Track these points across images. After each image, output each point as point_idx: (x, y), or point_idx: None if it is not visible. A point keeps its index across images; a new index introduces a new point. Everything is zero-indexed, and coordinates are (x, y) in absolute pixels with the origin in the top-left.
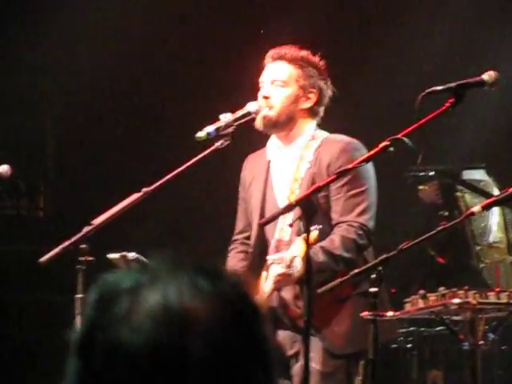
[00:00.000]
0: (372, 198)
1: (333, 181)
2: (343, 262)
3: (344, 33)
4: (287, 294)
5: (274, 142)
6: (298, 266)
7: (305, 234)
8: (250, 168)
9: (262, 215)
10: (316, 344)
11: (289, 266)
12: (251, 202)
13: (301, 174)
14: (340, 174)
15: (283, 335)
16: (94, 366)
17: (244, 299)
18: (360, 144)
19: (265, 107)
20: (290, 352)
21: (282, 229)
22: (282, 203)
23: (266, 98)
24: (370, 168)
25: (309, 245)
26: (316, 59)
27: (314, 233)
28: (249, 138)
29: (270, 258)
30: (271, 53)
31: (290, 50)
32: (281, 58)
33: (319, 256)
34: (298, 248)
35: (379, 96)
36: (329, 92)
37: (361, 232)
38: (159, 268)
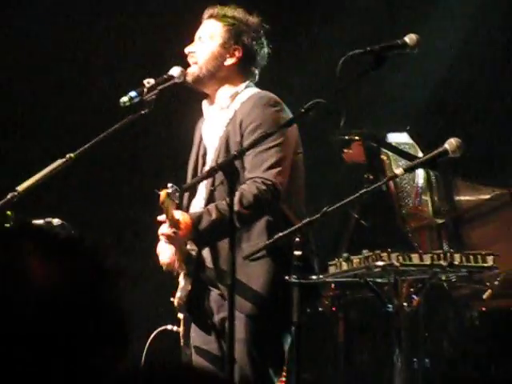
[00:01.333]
0: (284, 153)
1: (256, 143)
2: (240, 218)
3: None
4: (206, 254)
5: (205, 101)
6: (184, 223)
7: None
8: (196, 130)
9: (195, 175)
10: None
11: (172, 226)
12: (189, 163)
13: (220, 133)
14: (262, 138)
15: (212, 297)
16: None
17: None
18: (273, 98)
19: (190, 63)
20: (217, 317)
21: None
22: (212, 163)
23: (189, 53)
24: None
25: (231, 209)
26: (248, 17)
27: (164, 191)
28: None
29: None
30: (205, 11)
31: (221, 8)
32: (211, 16)
33: (212, 214)
34: (194, 206)
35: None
36: (262, 51)
37: (263, 187)
38: None
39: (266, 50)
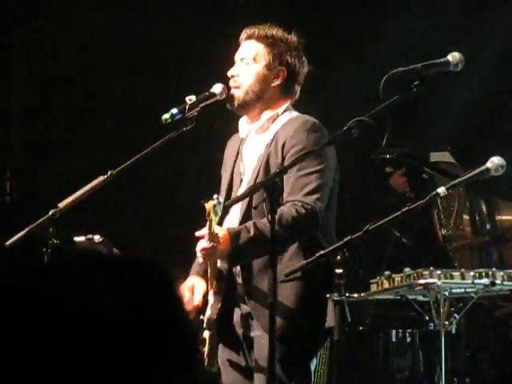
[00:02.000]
0: (324, 179)
1: (296, 163)
2: (277, 239)
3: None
4: (237, 272)
5: (243, 120)
6: (223, 238)
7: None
8: (230, 147)
9: (228, 196)
10: (258, 325)
11: (211, 240)
12: (222, 181)
13: (259, 154)
14: (302, 157)
15: (237, 315)
16: None
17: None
18: (317, 124)
19: (232, 87)
20: (245, 335)
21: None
22: (249, 183)
23: (232, 76)
24: (327, 150)
25: (273, 227)
26: (287, 36)
27: (210, 202)
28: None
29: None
30: (243, 32)
31: (260, 28)
32: (250, 36)
33: (251, 231)
34: (228, 223)
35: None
36: (303, 69)
37: (303, 211)
38: None
39: (306, 67)
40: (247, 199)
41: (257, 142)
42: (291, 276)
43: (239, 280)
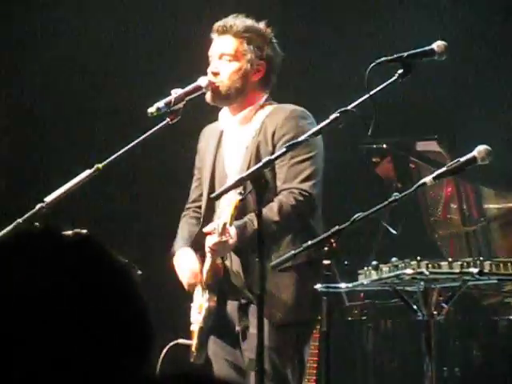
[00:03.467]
0: (317, 165)
1: (285, 153)
2: (280, 229)
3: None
4: (233, 263)
5: (224, 112)
6: (232, 232)
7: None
8: (205, 139)
9: (211, 187)
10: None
11: (222, 234)
12: (203, 172)
13: (248, 144)
14: (290, 147)
15: (231, 307)
16: None
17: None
18: (305, 112)
19: (214, 83)
20: (240, 325)
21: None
22: (232, 174)
23: (214, 73)
24: (316, 137)
25: (260, 216)
26: (261, 27)
27: (236, 197)
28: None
29: (204, 229)
30: (216, 26)
31: (235, 23)
32: (226, 31)
33: (255, 223)
34: (226, 215)
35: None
36: (278, 58)
37: (301, 198)
38: None
39: (280, 55)
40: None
41: (241, 132)
42: (281, 266)
43: (237, 272)
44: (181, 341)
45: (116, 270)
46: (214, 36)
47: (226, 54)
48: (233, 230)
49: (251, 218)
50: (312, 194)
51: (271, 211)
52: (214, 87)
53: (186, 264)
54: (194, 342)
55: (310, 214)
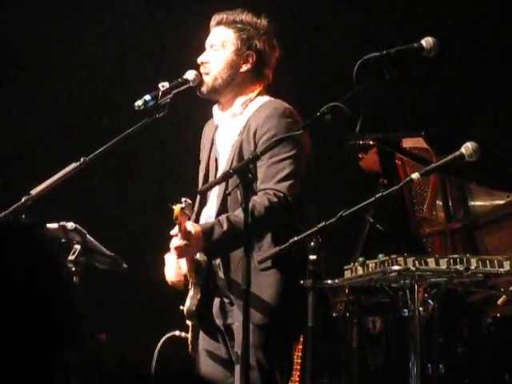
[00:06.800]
0: (296, 165)
1: (271, 148)
2: (251, 230)
3: None
4: (216, 262)
5: (216, 107)
6: (198, 235)
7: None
8: (205, 134)
9: (205, 182)
10: (240, 314)
11: (184, 238)
12: (200, 168)
13: (233, 141)
14: (274, 143)
15: (216, 305)
16: None
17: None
18: (289, 110)
19: (203, 73)
20: (224, 323)
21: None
22: (222, 170)
23: (202, 63)
24: (300, 135)
25: (246, 214)
26: (256, 20)
27: (178, 206)
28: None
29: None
30: (213, 18)
31: (229, 14)
32: (219, 22)
33: (224, 225)
34: (206, 212)
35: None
36: (273, 53)
37: (275, 200)
38: None
39: (278, 51)
40: (223, 187)
41: (230, 128)
42: (266, 262)
43: (220, 271)
44: (177, 333)
45: (44, 260)
46: (211, 28)
47: (214, 44)
48: (197, 234)
49: (221, 219)
50: (287, 194)
51: (241, 213)
52: (201, 79)
53: (170, 264)
54: (189, 336)
55: (286, 215)
